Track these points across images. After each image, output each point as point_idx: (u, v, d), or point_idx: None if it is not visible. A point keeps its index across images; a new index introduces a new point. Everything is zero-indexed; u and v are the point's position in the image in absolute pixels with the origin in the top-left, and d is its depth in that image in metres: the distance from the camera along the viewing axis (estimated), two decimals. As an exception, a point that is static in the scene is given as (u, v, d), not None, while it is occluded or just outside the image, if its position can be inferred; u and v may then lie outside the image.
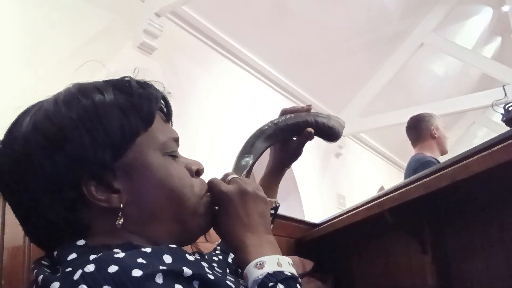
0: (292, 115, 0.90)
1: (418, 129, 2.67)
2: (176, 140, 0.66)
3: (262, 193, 0.68)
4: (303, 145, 0.92)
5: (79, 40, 2.86)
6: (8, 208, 0.88)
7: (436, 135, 2.62)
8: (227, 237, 0.65)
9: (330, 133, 0.93)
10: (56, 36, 2.73)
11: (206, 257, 0.84)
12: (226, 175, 0.70)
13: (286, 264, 0.60)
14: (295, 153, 0.94)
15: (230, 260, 0.86)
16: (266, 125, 0.88)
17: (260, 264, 0.59)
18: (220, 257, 0.86)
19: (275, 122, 0.88)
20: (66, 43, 2.78)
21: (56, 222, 0.56)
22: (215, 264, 0.83)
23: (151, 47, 3.27)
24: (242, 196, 0.65)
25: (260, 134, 0.87)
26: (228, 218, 0.64)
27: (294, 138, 0.92)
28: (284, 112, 0.91)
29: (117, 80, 0.63)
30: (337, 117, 0.96)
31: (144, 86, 0.63)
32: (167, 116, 0.67)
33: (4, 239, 0.98)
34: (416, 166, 2.44)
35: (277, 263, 0.59)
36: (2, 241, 0.98)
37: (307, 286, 1.79)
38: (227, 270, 0.85)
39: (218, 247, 0.91)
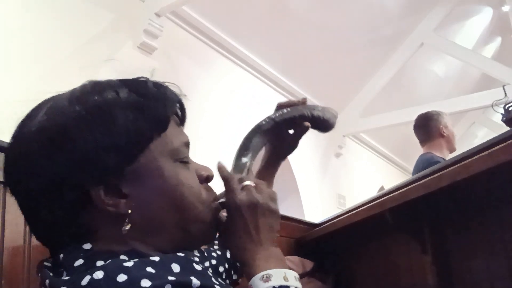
0: (289, 109, 0.90)
1: (427, 127, 2.62)
2: (187, 144, 0.65)
3: (273, 204, 0.67)
4: (300, 138, 0.93)
5: (79, 40, 2.86)
6: (8, 208, 0.88)
7: (445, 134, 2.58)
8: (234, 248, 0.65)
9: (325, 125, 0.94)
10: (56, 36, 2.73)
11: (205, 253, 0.84)
12: (242, 180, 0.68)
13: (293, 279, 0.60)
14: (291, 146, 0.94)
15: (228, 255, 0.87)
16: (263, 120, 0.88)
17: (267, 277, 0.59)
18: (219, 252, 0.86)
19: (272, 117, 0.89)
20: (66, 43, 2.78)
21: (57, 222, 0.56)
22: (214, 261, 0.83)
23: (151, 47, 3.27)
24: (253, 209, 0.64)
25: (257, 129, 0.87)
26: (236, 230, 0.64)
27: (291, 132, 0.93)
28: (280, 106, 0.92)
29: (133, 80, 0.61)
30: (331, 108, 0.98)
31: (160, 88, 0.61)
32: (181, 120, 0.66)
33: (4, 239, 0.98)
34: (424, 166, 2.41)
35: (284, 277, 0.59)
36: (2, 241, 0.98)
37: (307, 286, 1.79)
38: (226, 265, 0.85)
39: (216, 242, 0.91)
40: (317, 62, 4.70)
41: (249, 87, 4.25)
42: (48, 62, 2.63)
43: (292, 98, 0.96)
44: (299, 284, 0.60)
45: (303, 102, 0.92)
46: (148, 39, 3.23)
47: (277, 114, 0.89)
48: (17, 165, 0.57)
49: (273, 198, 0.67)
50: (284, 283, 0.58)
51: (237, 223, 0.64)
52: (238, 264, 0.86)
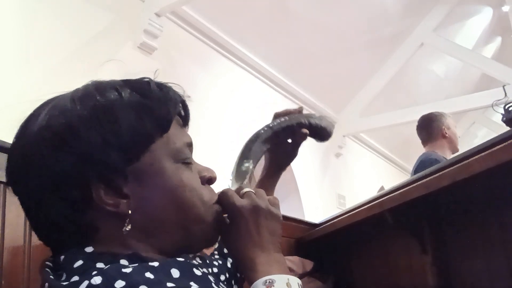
0: (286, 117, 0.92)
1: (430, 128, 2.65)
2: (190, 145, 0.64)
3: (275, 209, 0.66)
4: (299, 146, 0.94)
5: (79, 40, 2.86)
6: (8, 209, 0.88)
7: (447, 135, 2.61)
8: (236, 252, 0.64)
9: (322, 133, 0.96)
10: (56, 36, 2.72)
11: (207, 261, 0.84)
12: (240, 188, 0.68)
13: (296, 285, 0.59)
14: (291, 155, 0.95)
15: (229, 265, 0.86)
16: (261, 129, 0.90)
17: (270, 282, 0.58)
18: (220, 261, 0.85)
19: (270, 125, 0.90)
20: (66, 43, 2.77)
21: (58, 221, 0.55)
22: (216, 270, 0.82)
23: (151, 47, 3.27)
24: (255, 212, 0.64)
25: (256, 138, 0.88)
26: (238, 234, 0.63)
27: (289, 140, 0.93)
28: (277, 116, 0.93)
29: (136, 80, 0.61)
30: (327, 117, 1.00)
31: (164, 89, 0.61)
32: (184, 121, 0.66)
33: (4, 239, 0.98)
34: (424, 163, 2.41)
35: (287, 284, 0.58)
36: (2, 241, 0.97)
37: (307, 286, 1.79)
38: (227, 275, 0.85)
39: (216, 252, 0.91)
40: (317, 62, 4.70)
41: (248, 87, 4.25)
42: (48, 62, 2.62)
43: (294, 101, 0.98)
44: None
45: (299, 110, 0.94)
46: (148, 39, 3.23)
47: (275, 123, 0.91)
48: (20, 164, 0.57)
49: (275, 203, 0.67)
50: None
51: (239, 227, 0.63)
52: (238, 274, 0.86)
